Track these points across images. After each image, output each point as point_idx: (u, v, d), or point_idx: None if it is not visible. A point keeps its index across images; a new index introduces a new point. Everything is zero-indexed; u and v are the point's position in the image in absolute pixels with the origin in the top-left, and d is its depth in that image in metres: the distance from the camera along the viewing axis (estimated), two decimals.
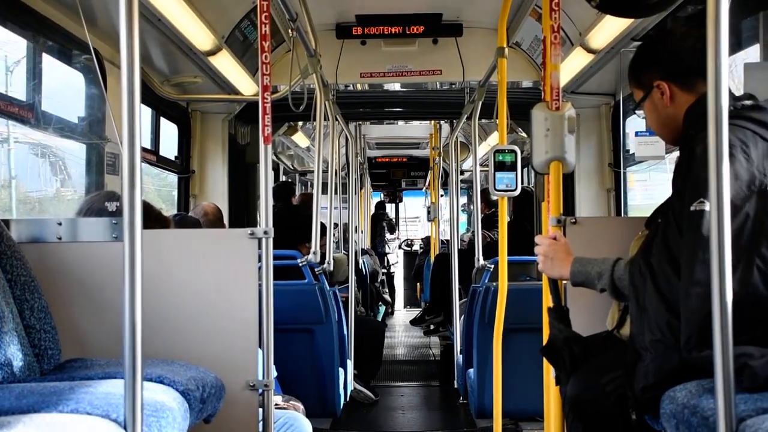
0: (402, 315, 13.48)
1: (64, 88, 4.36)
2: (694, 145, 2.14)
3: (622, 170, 6.13)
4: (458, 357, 6.17)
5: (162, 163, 5.86)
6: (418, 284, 13.34)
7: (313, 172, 6.55)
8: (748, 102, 2.29)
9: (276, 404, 3.35)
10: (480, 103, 5.39)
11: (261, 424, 2.81)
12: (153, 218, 3.35)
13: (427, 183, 13.52)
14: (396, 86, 6.45)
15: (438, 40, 6.03)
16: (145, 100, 5.19)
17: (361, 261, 9.67)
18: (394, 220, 16.74)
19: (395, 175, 15.51)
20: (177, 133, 6.22)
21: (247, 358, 2.79)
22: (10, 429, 1.53)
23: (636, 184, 6.70)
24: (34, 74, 3.85)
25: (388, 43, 6.01)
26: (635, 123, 5.32)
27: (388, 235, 15.54)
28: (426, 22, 5.75)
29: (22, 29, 3.75)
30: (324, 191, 5.32)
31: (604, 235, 3.03)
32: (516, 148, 4.07)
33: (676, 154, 2.51)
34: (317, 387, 5.04)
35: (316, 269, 4.86)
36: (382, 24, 5.74)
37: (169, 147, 6.09)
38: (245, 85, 5.76)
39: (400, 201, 17.31)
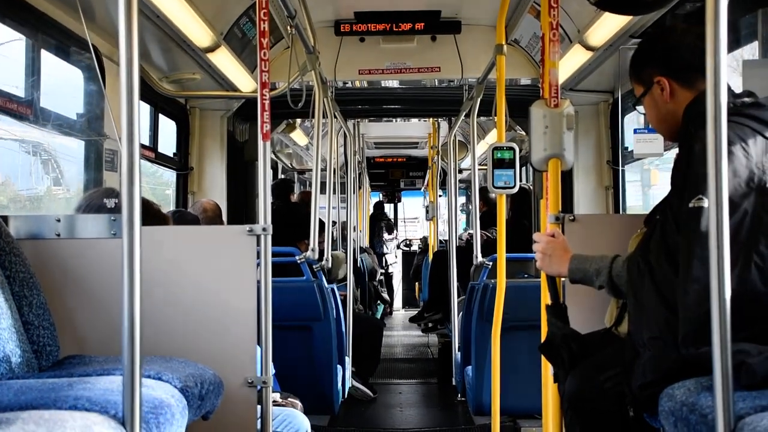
0: (401, 315, 13.47)
1: (63, 84, 4.36)
2: (692, 143, 2.14)
3: (620, 167, 6.13)
4: (456, 354, 6.17)
5: (161, 159, 5.86)
6: (416, 284, 13.32)
7: (311, 170, 6.55)
8: (747, 99, 2.30)
9: (274, 401, 3.35)
10: (478, 100, 5.39)
11: (259, 420, 2.81)
12: (151, 215, 3.36)
13: (425, 182, 13.52)
14: (394, 83, 6.46)
15: (436, 37, 6.03)
16: (143, 97, 5.18)
17: (359, 259, 9.67)
18: (392, 220, 16.72)
19: (394, 176, 15.51)
20: (176, 129, 6.22)
21: (245, 354, 2.79)
22: (8, 425, 1.53)
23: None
24: (33, 71, 3.85)
25: (386, 40, 6.01)
26: (633, 120, 5.33)
27: (386, 236, 15.52)
28: (424, 19, 5.75)
29: (21, 26, 3.74)
30: (323, 190, 5.32)
31: (602, 232, 3.04)
32: (514, 145, 4.06)
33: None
34: (315, 384, 5.04)
35: (314, 266, 4.86)
36: (380, 21, 5.74)
37: (168, 144, 6.09)
38: (244, 82, 5.75)
39: (399, 201, 17.29)
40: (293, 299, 4.87)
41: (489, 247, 5.89)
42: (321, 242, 5.11)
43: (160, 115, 5.78)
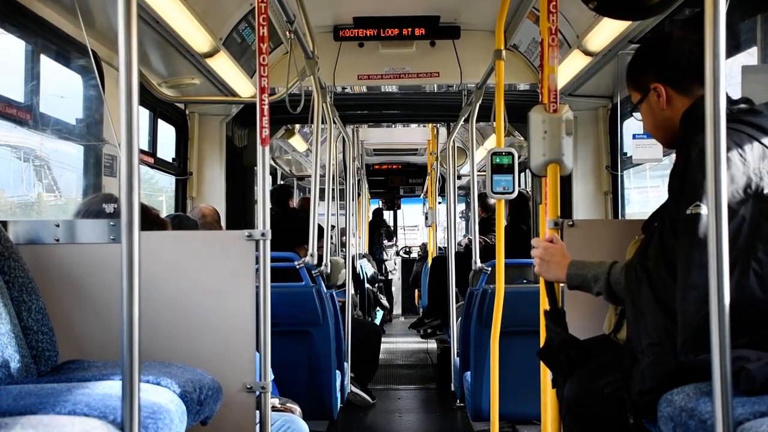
0: (400, 322, 13.47)
1: (63, 90, 4.36)
2: (690, 149, 2.14)
3: (619, 173, 6.14)
4: (455, 360, 6.17)
5: (159, 165, 5.85)
6: (416, 291, 13.31)
7: (310, 176, 6.54)
8: (744, 106, 2.30)
9: (273, 406, 3.35)
10: (477, 105, 5.39)
11: (258, 426, 2.81)
12: (150, 220, 3.35)
13: (425, 189, 13.52)
14: (393, 88, 6.45)
15: (435, 43, 6.04)
16: (143, 102, 5.19)
17: (358, 265, 9.67)
18: (392, 227, 16.70)
19: (393, 183, 15.51)
20: (175, 135, 6.22)
21: (244, 360, 2.79)
22: (7, 430, 1.53)
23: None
24: (32, 76, 3.85)
25: (385, 46, 6.02)
26: (632, 126, 5.33)
27: (386, 242, 15.50)
28: (424, 25, 5.77)
29: (21, 31, 3.74)
30: (322, 196, 5.32)
31: (601, 238, 3.04)
32: (513, 150, 4.06)
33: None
34: (314, 389, 5.03)
35: (313, 271, 4.86)
36: (379, 26, 5.75)
37: (167, 149, 6.09)
38: (243, 87, 5.75)
39: (398, 208, 17.27)
40: (292, 304, 4.86)
41: (488, 253, 5.89)
42: (320, 247, 5.11)
43: (159, 120, 5.78)
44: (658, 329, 2.14)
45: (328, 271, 5.04)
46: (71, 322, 2.74)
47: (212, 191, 6.40)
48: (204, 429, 2.35)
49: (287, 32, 3.94)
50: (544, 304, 2.81)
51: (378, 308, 11.06)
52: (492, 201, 6.69)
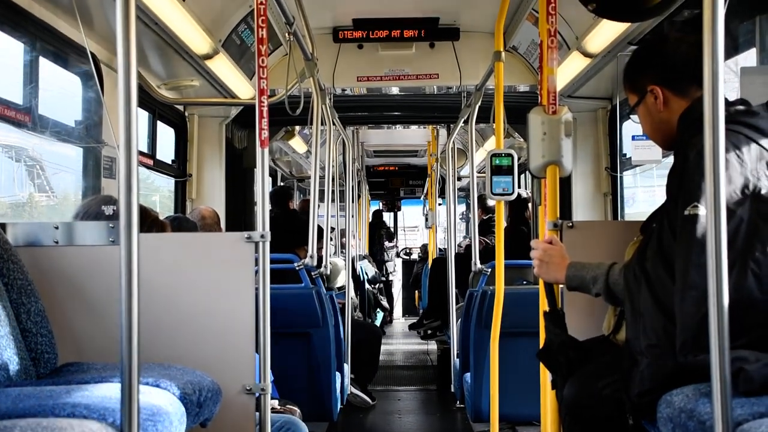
0: (400, 323, 13.47)
1: (62, 91, 4.36)
2: (687, 150, 2.15)
3: (618, 174, 6.14)
4: (455, 361, 6.17)
5: (159, 166, 5.85)
6: (416, 293, 13.31)
7: (310, 178, 6.55)
8: (740, 107, 2.30)
9: (272, 408, 3.35)
10: (477, 107, 5.39)
11: (257, 428, 2.81)
12: (149, 222, 3.35)
13: (425, 190, 13.52)
14: (393, 90, 6.46)
15: (435, 44, 6.04)
16: (142, 104, 5.19)
17: (359, 266, 9.66)
18: (391, 229, 16.70)
19: (393, 184, 15.50)
20: (174, 136, 6.22)
21: (243, 361, 2.78)
22: None
23: None
24: (31, 78, 3.85)
25: (385, 47, 6.02)
26: (632, 127, 5.33)
27: (387, 243, 15.50)
28: (423, 26, 5.77)
29: (19, 33, 3.74)
30: (321, 197, 5.32)
31: (601, 239, 3.04)
32: (513, 152, 4.06)
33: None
34: (314, 391, 5.03)
35: (313, 273, 4.86)
36: (379, 28, 5.75)
37: (166, 151, 6.09)
38: (242, 88, 5.75)
39: (399, 210, 17.26)
40: (292, 306, 4.86)
41: (488, 254, 5.89)
42: (320, 249, 5.11)
43: (159, 122, 5.78)
44: (657, 330, 2.14)
45: (328, 272, 5.05)
46: (70, 324, 2.74)
47: (212, 193, 6.40)
48: (203, 431, 2.35)
49: (286, 34, 3.94)
50: (544, 306, 2.81)
51: (378, 310, 11.06)
52: (492, 202, 6.70)
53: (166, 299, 2.77)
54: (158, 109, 5.67)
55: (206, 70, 5.12)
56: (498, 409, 4.39)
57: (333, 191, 7.20)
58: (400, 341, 11.08)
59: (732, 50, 3.96)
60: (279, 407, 3.68)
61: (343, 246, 8.89)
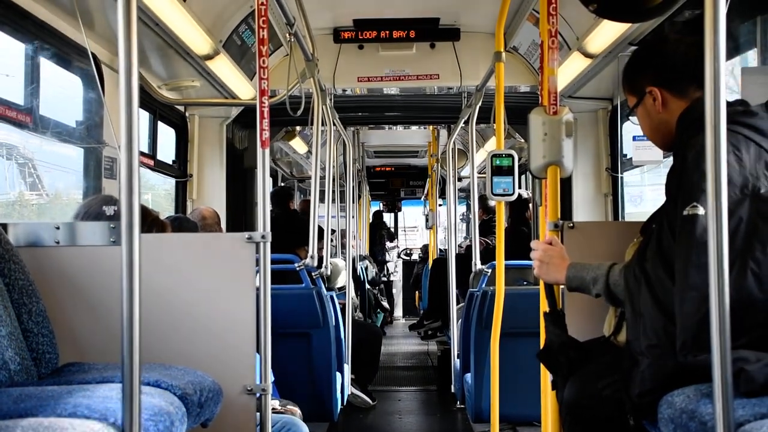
0: (401, 324, 13.46)
1: (63, 92, 4.36)
2: (686, 151, 2.15)
3: (619, 174, 6.14)
4: (455, 361, 6.17)
5: (159, 167, 5.85)
6: (417, 293, 13.31)
7: (311, 178, 6.55)
8: (739, 107, 2.30)
9: (273, 408, 3.35)
10: (477, 107, 5.40)
11: (258, 428, 2.81)
12: (150, 222, 3.36)
13: (425, 191, 13.52)
14: (393, 91, 6.46)
15: (435, 45, 6.04)
16: (143, 105, 5.19)
17: (359, 267, 9.66)
18: (392, 229, 16.70)
19: (394, 185, 15.50)
20: (175, 137, 6.22)
21: (244, 362, 2.79)
22: None
23: None
24: (32, 79, 3.85)
25: (385, 48, 6.02)
26: (632, 127, 5.33)
27: (388, 243, 15.50)
28: (423, 27, 5.77)
29: (20, 34, 3.75)
30: (322, 198, 5.32)
31: (601, 240, 3.04)
32: (513, 152, 4.07)
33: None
34: (314, 391, 5.03)
35: (313, 273, 4.86)
36: (379, 28, 5.76)
37: (167, 151, 6.09)
38: (243, 89, 5.76)
39: (399, 210, 17.26)
40: (292, 306, 4.87)
41: (488, 255, 5.89)
42: (320, 249, 5.11)
43: (159, 123, 5.78)
44: (657, 331, 2.14)
45: (329, 273, 5.05)
46: (72, 324, 2.74)
47: (212, 193, 6.40)
48: (204, 431, 2.35)
49: (287, 34, 3.95)
50: (544, 306, 2.81)
51: (379, 310, 11.06)
52: (492, 203, 6.70)
53: (167, 299, 2.77)
54: (159, 110, 5.68)
55: (207, 70, 5.12)
56: (498, 409, 4.39)
57: (333, 192, 7.19)
58: (401, 342, 11.08)
59: (733, 50, 3.96)
60: (280, 407, 3.68)
61: (343, 246, 8.90)
